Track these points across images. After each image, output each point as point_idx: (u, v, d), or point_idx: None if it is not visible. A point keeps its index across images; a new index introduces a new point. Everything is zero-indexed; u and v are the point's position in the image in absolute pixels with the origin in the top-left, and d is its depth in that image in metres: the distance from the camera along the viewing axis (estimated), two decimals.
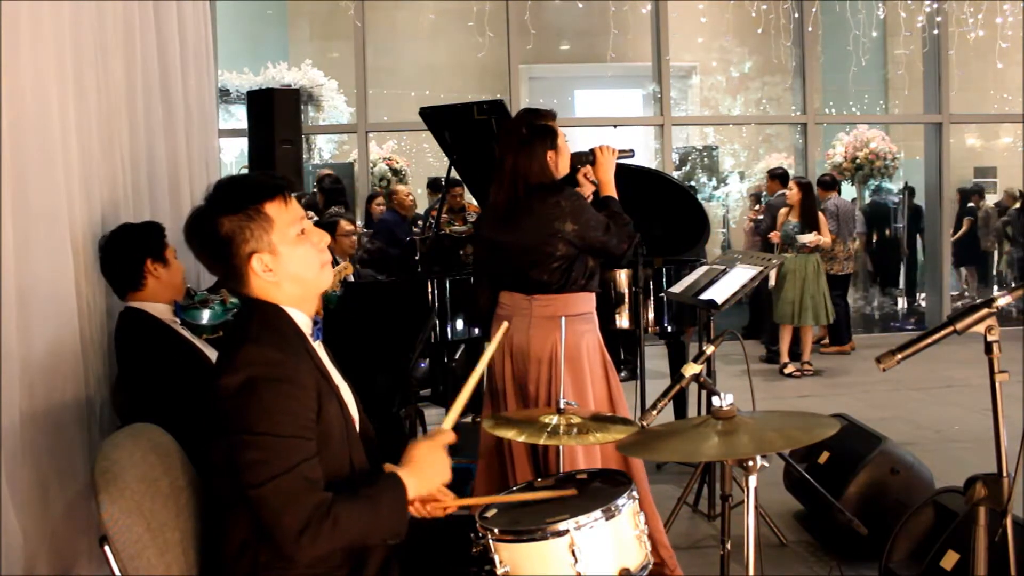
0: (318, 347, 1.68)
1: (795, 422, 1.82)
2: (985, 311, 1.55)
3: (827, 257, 7.40)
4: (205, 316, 2.67)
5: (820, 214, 6.70)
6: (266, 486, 1.45)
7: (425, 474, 1.66)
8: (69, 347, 2.26)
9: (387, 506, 1.56)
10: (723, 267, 3.59)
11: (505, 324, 2.12)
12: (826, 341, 7.80)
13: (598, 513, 1.68)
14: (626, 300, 4.18)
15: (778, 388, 6.39)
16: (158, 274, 2.46)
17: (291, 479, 1.46)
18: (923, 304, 9.72)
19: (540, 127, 2.80)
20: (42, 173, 2.15)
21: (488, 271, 2.99)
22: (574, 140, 3.09)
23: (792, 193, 6.74)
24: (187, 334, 2.53)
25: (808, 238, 6.67)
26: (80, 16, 2.44)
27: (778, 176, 7.62)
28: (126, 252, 2.45)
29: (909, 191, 10.17)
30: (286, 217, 1.61)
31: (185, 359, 2.41)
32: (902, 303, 10.27)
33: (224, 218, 1.57)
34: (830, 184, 7.57)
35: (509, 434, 2.06)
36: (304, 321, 1.66)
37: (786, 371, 6.76)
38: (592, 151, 2.95)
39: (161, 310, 2.48)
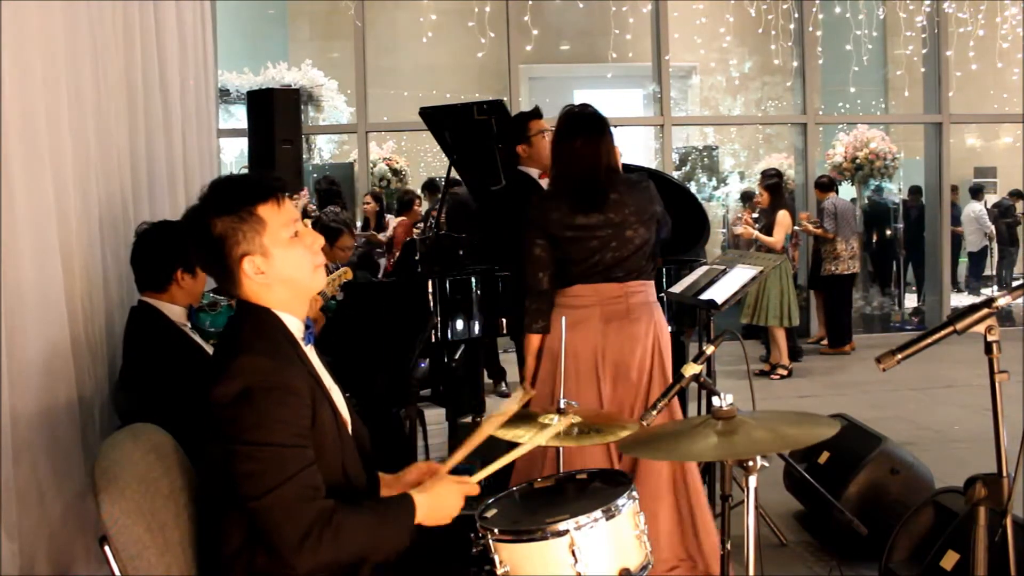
0: (309, 351, 1.68)
1: (795, 422, 1.82)
2: (985, 311, 1.55)
3: (830, 257, 7.41)
4: (215, 322, 2.66)
5: (780, 215, 6.67)
6: (265, 498, 1.45)
7: (437, 505, 1.67)
8: (61, 348, 2.25)
9: (393, 521, 1.58)
10: (723, 267, 3.59)
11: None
12: (825, 341, 7.81)
13: (598, 513, 1.68)
14: None
15: (777, 388, 6.39)
16: (184, 283, 2.47)
17: (290, 489, 1.46)
18: (924, 304, 9.72)
19: (604, 117, 2.86)
20: (28, 175, 2.14)
21: (560, 260, 2.86)
22: None
23: (762, 197, 6.89)
24: (197, 338, 2.53)
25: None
26: (75, 16, 2.43)
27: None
28: (159, 255, 2.44)
29: (913, 190, 10.16)
30: (279, 219, 1.60)
31: (193, 362, 2.40)
32: (907, 302, 10.27)
33: (217, 219, 1.57)
34: (827, 185, 7.60)
35: (510, 435, 2.05)
36: (296, 325, 1.66)
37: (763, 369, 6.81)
38: None
39: (176, 312, 2.48)
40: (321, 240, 1.70)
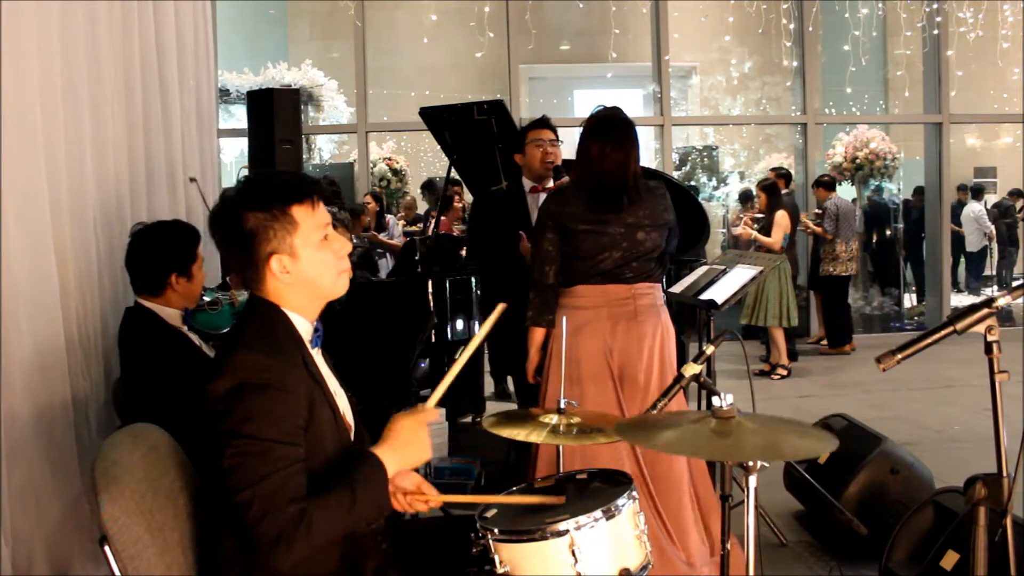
0: (316, 354, 1.67)
1: (794, 431, 1.78)
2: (985, 311, 1.55)
3: (829, 258, 7.41)
4: (215, 321, 2.66)
5: (779, 216, 6.70)
6: (246, 492, 1.44)
7: (406, 450, 1.63)
8: (55, 349, 2.26)
9: (366, 491, 1.53)
10: (723, 267, 3.59)
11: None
12: (825, 342, 7.80)
13: (598, 513, 1.68)
14: None
15: (778, 388, 6.39)
16: (179, 287, 2.46)
17: (272, 485, 1.45)
18: (924, 304, 9.72)
19: (633, 123, 2.89)
20: (23, 177, 2.14)
21: (567, 256, 2.86)
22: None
23: (760, 199, 6.93)
24: (195, 338, 2.53)
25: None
26: (73, 17, 2.43)
27: (783, 175, 7.68)
28: (153, 260, 2.43)
29: (918, 191, 10.16)
30: (312, 222, 1.61)
31: (190, 363, 2.40)
32: (906, 301, 10.27)
33: (250, 213, 1.57)
34: (829, 184, 7.59)
35: (509, 433, 2.05)
36: (305, 327, 1.65)
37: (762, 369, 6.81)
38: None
39: (171, 315, 2.48)
40: (349, 246, 1.70)
